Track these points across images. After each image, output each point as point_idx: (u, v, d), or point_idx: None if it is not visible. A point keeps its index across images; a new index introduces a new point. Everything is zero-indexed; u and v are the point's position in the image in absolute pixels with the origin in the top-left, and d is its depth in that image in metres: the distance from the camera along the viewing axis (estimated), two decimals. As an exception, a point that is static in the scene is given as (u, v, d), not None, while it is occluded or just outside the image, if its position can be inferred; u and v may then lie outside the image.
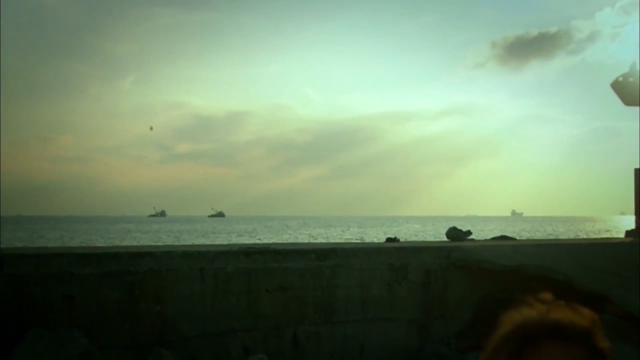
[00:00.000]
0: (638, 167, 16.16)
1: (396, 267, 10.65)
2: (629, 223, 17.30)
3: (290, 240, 59.47)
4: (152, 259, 9.36)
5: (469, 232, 13.41)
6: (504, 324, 1.50)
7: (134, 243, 48.25)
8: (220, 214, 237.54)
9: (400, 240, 13.95)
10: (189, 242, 49.64)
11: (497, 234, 24.61)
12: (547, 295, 1.53)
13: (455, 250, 11.12)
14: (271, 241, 43.70)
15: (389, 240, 13.53)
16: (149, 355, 8.65)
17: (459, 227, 13.64)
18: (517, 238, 17.61)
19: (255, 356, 8.30)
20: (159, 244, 42.32)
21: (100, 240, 62.30)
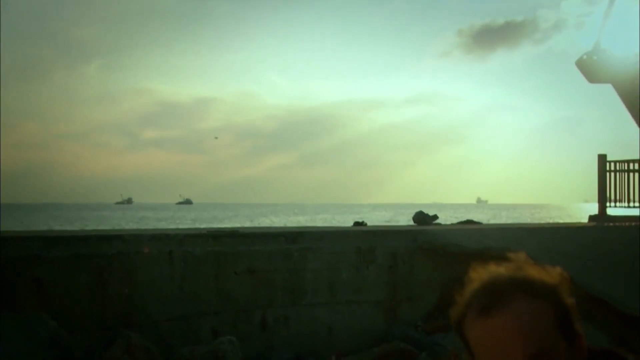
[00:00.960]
0: (601, 153, 16.42)
1: (364, 250, 10.75)
2: (592, 210, 17.56)
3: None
4: (121, 242, 9.35)
5: (435, 217, 13.55)
6: (473, 280, 1.57)
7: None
8: (188, 202, 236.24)
9: (368, 224, 14.07)
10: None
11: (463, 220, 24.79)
12: (520, 255, 1.60)
13: (422, 234, 11.25)
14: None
15: (356, 224, 13.63)
16: (117, 337, 8.65)
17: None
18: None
19: (224, 338, 8.34)
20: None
21: (67, 227, 61.73)
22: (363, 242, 10.81)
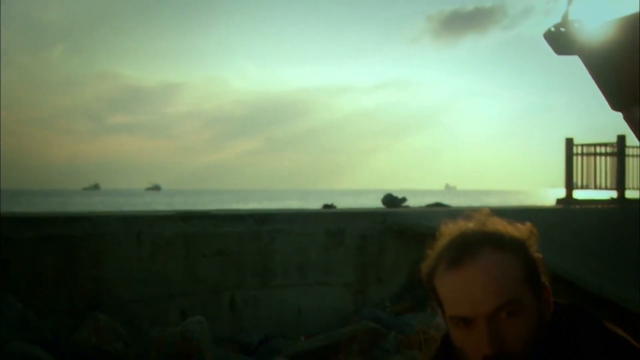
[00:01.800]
0: (569, 137, 16.59)
1: (333, 232, 10.78)
2: (559, 196, 17.73)
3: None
4: (88, 223, 9.28)
5: (404, 199, 13.62)
6: (443, 235, 1.59)
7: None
8: (157, 187, 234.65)
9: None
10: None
11: (432, 204, 24.90)
12: (485, 210, 1.62)
13: (390, 215, 11.30)
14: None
15: (326, 207, 13.65)
16: (85, 319, 8.60)
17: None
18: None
19: (193, 318, 8.32)
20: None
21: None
22: (332, 224, 10.84)
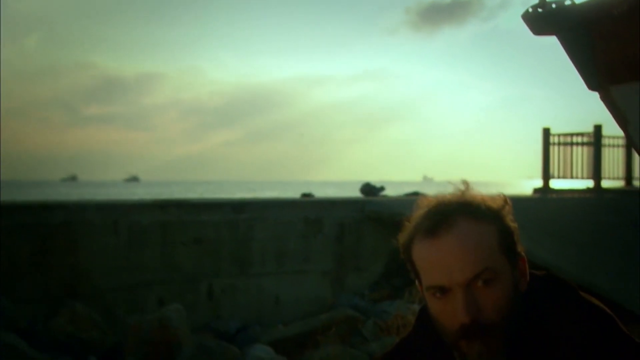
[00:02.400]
0: (546, 127, 16.67)
1: (311, 220, 10.77)
2: (537, 185, 17.81)
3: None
4: (64, 211, 9.21)
5: (382, 188, 13.63)
6: (420, 206, 1.59)
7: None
8: (135, 179, 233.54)
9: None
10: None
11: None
12: (462, 181, 1.62)
13: (369, 204, 11.32)
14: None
15: (304, 196, 13.65)
16: (61, 307, 8.55)
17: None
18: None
19: (170, 306, 8.29)
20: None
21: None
22: (310, 212, 10.83)
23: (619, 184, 17.05)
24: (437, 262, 1.50)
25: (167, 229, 9.74)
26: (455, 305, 1.48)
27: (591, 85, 2.75)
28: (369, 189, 13.23)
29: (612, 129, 16.36)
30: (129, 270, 9.42)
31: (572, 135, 16.54)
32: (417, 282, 1.62)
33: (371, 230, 11.13)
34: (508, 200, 1.60)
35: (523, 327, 1.52)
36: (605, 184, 16.57)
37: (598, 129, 16.22)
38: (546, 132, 16.39)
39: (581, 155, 16.42)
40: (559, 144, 16.49)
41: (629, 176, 16.98)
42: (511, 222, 1.57)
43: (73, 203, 9.62)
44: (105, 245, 9.31)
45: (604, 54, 2.66)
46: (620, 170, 17.01)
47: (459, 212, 1.52)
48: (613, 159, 16.85)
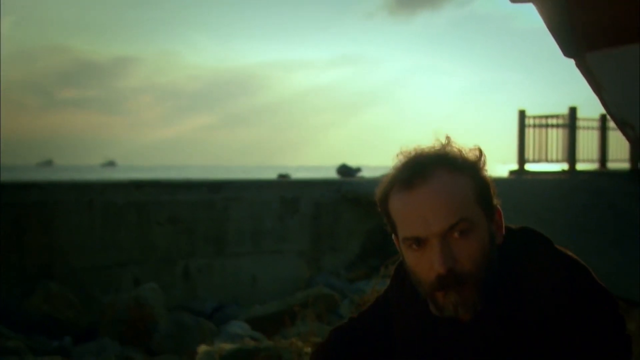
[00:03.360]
0: (521, 109, 16.75)
1: (288, 200, 10.77)
2: (512, 168, 17.89)
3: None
4: (39, 190, 9.14)
5: (358, 169, 13.65)
6: (398, 159, 1.59)
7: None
8: (112, 163, 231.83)
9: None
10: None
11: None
12: (441, 133, 1.62)
13: (345, 184, 11.34)
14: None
15: (280, 177, 13.64)
16: (36, 287, 8.50)
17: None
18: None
19: (146, 285, 8.28)
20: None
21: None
22: (287, 192, 10.83)
23: (594, 166, 17.20)
24: (414, 213, 1.50)
25: (142, 208, 9.69)
26: (431, 256, 1.48)
27: (567, 52, 2.76)
28: (345, 170, 13.24)
29: (587, 111, 16.48)
30: (104, 250, 9.37)
31: (547, 117, 16.63)
32: (393, 235, 1.62)
33: (348, 210, 11.16)
34: (484, 153, 1.60)
35: (498, 278, 1.53)
36: (580, 166, 16.70)
37: (573, 110, 16.33)
38: (522, 114, 16.46)
39: (556, 138, 16.53)
40: (534, 126, 16.58)
41: (603, 159, 17.13)
42: (487, 174, 1.58)
43: (48, 183, 9.55)
44: (80, 225, 9.26)
45: (579, 20, 2.67)
46: (594, 153, 17.15)
47: (436, 164, 1.53)
48: (588, 141, 16.99)
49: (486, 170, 1.58)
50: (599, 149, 17.09)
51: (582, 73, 2.50)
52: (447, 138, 1.60)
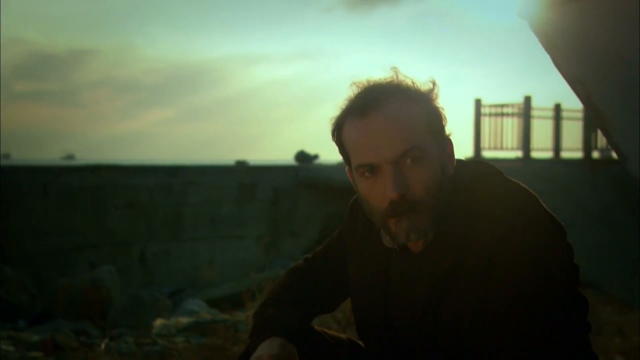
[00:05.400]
0: (477, 97, 16.89)
1: (246, 185, 10.76)
2: (468, 155, 18.02)
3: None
4: (-8, 173, 9.02)
5: (316, 156, 13.66)
6: (352, 89, 1.60)
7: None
8: (72, 157, 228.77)
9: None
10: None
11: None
12: (393, 68, 1.63)
13: (303, 170, 11.36)
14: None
15: (238, 163, 13.61)
16: (-10, 271, 8.39)
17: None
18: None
19: (102, 267, 8.20)
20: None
21: None
22: (245, 178, 10.82)
23: (548, 154, 17.38)
24: (367, 140, 1.51)
25: (98, 192, 9.61)
26: (384, 183, 1.49)
27: (521, 13, 2.79)
28: (303, 157, 13.26)
29: (541, 101, 16.64)
30: (59, 234, 9.28)
31: (502, 106, 16.76)
32: (347, 168, 1.63)
33: (306, 196, 11.18)
34: (437, 85, 1.62)
35: (450, 208, 1.55)
36: (535, 154, 16.87)
37: (528, 99, 16.49)
38: (478, 103, 16.57)
39: (511, 126, 16.68)
40: (490, 114, 16.70)
41: (557, 147, 17.33)
42: (440, 106, 1.60)
43: (1, 166, 9.41)
44: (35, 208, 9.15)
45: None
46: (549, 142, 17.33)
47: (389, 93, 1.54)
48: (542, 130, 17.16)
49: (439, 102, 1.60)
50: (553, 138, 17.27)
51: (534, 33, 2.54)
52: (397, 70, 1.61)
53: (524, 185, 1.59)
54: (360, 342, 1.80)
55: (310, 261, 1.89)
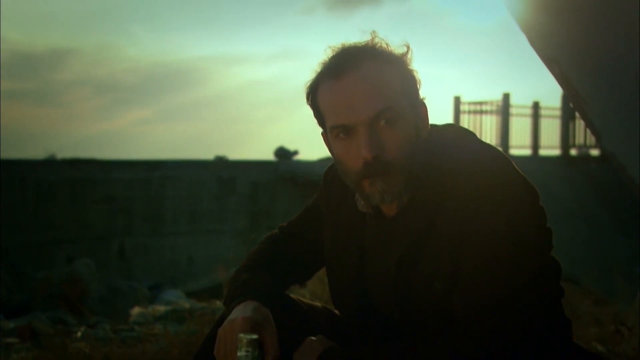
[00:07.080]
0: (457, 95, 16.99)
1: (225, 180, 10.75)
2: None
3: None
4: (-32, 166, 8.96)
5: (296, 152, 13.64)
6: (326, 51, 1.61)
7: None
8: (53, 157, 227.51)
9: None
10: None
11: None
12: (371, 31, 1.65)
13: (282, 164, 11.36)
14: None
15: (218, 158, 13.57)
16: (-34, 265, 8.33)
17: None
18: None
19: (80, 260, 8.16)
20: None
21: None
22: (224, 172, 10.82)
23: (526, 152, 17.49)
24: (341, 101, 1.53)
25: (76, 186, 9.57)
26: (358, 144, 1.51)
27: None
28: (282, 153, 13.24)
29: (520, 99, 16.75)
30: (36, 228, 9.23)
31: (481, 103, 16.86)
32: (322, 132, 1.64)
33: (285, 190, 11.19)
34: (411, 49, 1.63)
35: (424, 171, 1.56)
36: (513, 152, 16.98)
37: (506, 97, 16.61)
38: (457, 100, 16.68)
39: (490, 124, 16.78)
40: (469, 112, 16.80)
41: (535, 145, 17.44)
42: (414, 69, 1.61)
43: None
44: (12, 202, 9.10)
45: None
46: (527, 139, 17.44)
47: (363, 55, 1.55)
48: (521, 128, 17.27)
49: (412, 66, 1.62)
50: (532, 135, 17.38)
51: (511, 14, 2.57)
52: (374, 33, 1.63)
53: (498, 149, 1.60)
54: (336, 311, 1.81)
55: (285, 229, 1.90)
